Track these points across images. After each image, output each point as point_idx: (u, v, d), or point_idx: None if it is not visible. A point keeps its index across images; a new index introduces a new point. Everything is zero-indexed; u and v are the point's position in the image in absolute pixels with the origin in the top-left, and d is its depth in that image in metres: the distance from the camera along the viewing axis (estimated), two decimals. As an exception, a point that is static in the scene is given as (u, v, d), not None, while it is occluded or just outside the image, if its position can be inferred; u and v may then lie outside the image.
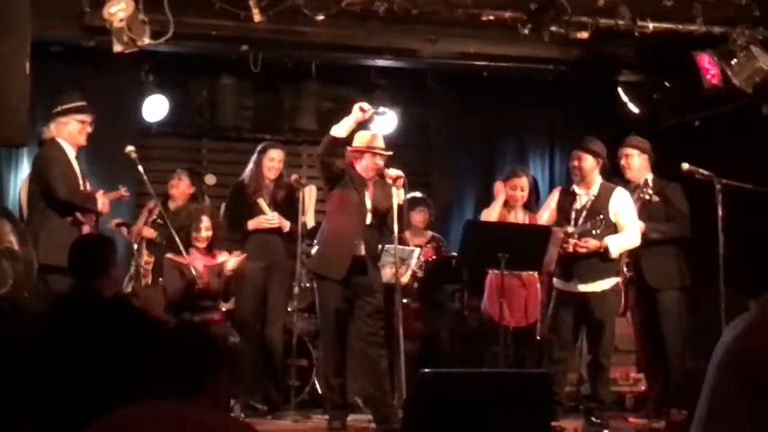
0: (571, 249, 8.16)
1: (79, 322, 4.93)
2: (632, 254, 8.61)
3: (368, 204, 8.11)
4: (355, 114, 7.84)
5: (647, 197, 8.69)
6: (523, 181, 8.63)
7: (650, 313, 8.94)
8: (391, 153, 8.26)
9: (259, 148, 9.06)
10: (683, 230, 8.90)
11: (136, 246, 9.12)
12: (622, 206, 8.36)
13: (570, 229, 8.23)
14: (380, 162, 8.13)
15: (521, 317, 8.63)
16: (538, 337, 8.68)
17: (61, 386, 4.73)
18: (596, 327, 8.33)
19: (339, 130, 7.89)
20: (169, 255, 8.35)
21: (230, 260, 8.40)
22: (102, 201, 8.17)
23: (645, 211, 8.70)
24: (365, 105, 7.90)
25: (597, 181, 8.42)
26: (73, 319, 4.96)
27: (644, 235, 8.45)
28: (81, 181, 8.26)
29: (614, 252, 8.23)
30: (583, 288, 8.28)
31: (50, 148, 8.25)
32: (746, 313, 3.94)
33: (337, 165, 8.13)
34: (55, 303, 5.39)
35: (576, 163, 8.42)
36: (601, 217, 8.13)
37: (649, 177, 8.89)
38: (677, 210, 8.88)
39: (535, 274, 8.67)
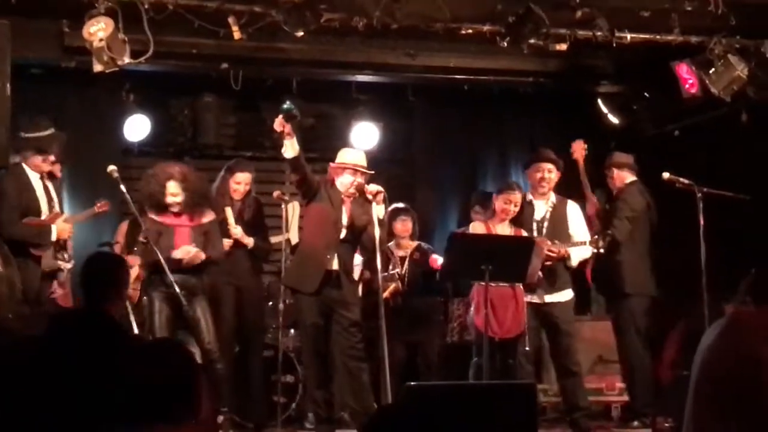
0: (556, 257, 8.28)
1: (83, 344, 4.77)
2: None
3: (344, 220, 8.16)
4: (281, 132, 7.87)
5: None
6: (518, 197, 8.60)
7: (614, 321, 9.09)
8: (372, 172, 8.29)
9: (226, 165, 9.06)
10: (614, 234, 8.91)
11: None
12: (578, 218, 8.64)
13: (548, 240, 8.35)
14: (360, 179, 8.16)
15: (509, 328, 8.64)
16: (527, 348, 8.67)
17: (60, 412, 4.61)
18: (563, 336, 8.44)
19: (285, 152, 7.95)
20: (151, 215, 8.18)
21: (183, 250, 8.17)
22: (60, 228, 8.17)
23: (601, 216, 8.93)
24: (277, 122, 7.88)
25: (551, 191, 8.57)
26: (78, 341, 4.80)
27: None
28: (45, 206, 8.19)
29: (575, 261, 8.40)
30: (549, 299, 8.41)
31: (8, 176, 8.18)
32: (720, 320, 4.06)
33: (311, 178, 8.20)
34: (58, 322, 5.16)
35: (546, 175, 8.55)
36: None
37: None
38: (621, 214, 8.97)
39: (520, 285, 8.70)
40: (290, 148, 7.90)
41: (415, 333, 9.61)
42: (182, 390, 3.52)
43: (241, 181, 8.88)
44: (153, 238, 7.96)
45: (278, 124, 7.83)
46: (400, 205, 9.72)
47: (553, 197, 8.63)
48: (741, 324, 4.12)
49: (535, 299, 8.44)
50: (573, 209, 8.66)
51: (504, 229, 8.52)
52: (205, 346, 8.06)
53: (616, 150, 9.55)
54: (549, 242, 8.35)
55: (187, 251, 8.10)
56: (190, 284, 8.06)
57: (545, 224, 8.51)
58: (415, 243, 9.82)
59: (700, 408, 3.98)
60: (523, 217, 8.56)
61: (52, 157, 8.24)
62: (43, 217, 8.16)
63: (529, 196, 8.64)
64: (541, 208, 8.59)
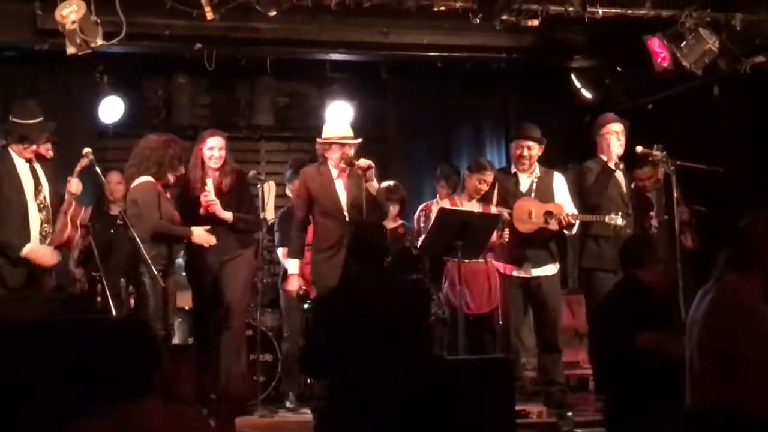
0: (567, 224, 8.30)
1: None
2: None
3: (343, 201, 7.97)
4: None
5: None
6: (490, 177, 8.67)
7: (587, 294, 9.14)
8: (360, 140, 8.14)
9: (198, 138, 8.56)
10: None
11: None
12: (563, 189, 8.61)
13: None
14: (350, 152, 8.04)
15: (482, 304, 8.70)
16: (501, 323, 8.72)
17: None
18: (549, 311, 8.43)
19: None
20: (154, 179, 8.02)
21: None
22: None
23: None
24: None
25: (536, 164, 8.58)
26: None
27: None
28: (30, 192, 7.99)
29: (574, 230, 8.40)
30: (536, 272, 8.40)
31: None
32: (708, 286, 4.43)
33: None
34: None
35: (525, 152, 8.53)
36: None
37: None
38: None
39: (493, 261, 8.74)
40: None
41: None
42: (142, 368, 3.56)
43: (213, 146, 8.30)
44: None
45: None
46: (390, 183, 9.65)
47: (537, 170, 8.59)
48: (733, 284, 4.50)
49: (521, 273, 8.44)
50: (559, 181, 8.62)
51: (472, 205, 8.56)
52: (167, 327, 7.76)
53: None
54: (573, 212, 8.36)
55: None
56: (164, 258, 7.82)
57: (532, 195, 8.49)
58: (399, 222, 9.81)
59: (706, 366, 4.48)
60: (506, 189, 8.58)
61: (34, 146, 8.09)
62: (31, 203, 8.01)
63: (513, 169, 8.66)
64: (526, 180, 8.55)
